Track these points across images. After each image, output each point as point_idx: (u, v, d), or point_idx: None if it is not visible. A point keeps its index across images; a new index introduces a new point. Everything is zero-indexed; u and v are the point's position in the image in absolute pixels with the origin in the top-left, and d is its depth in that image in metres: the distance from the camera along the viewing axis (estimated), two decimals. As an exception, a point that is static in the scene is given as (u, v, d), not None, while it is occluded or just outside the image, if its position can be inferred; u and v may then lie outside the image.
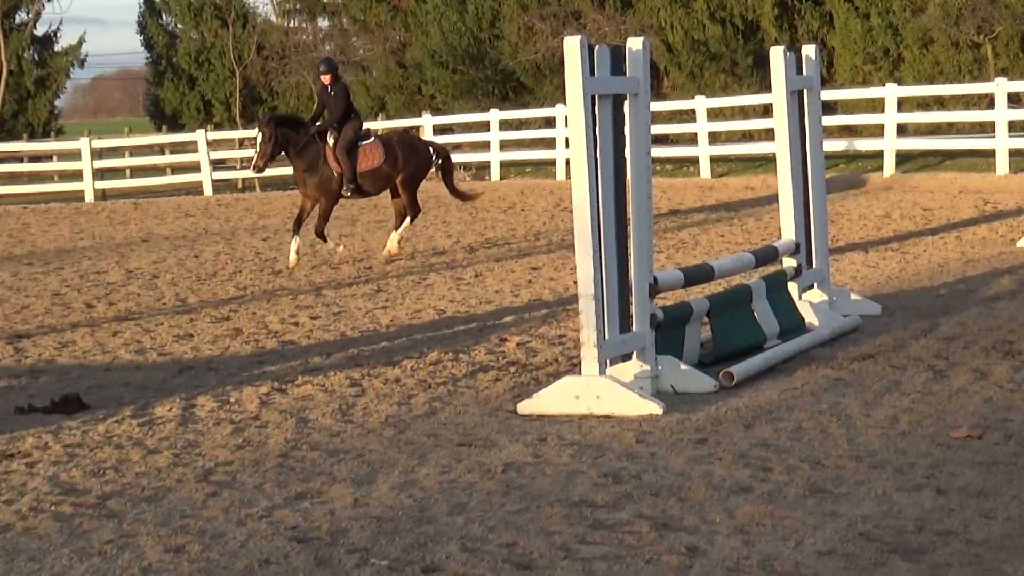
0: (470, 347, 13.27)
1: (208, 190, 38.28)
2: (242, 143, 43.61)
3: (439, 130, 41.49)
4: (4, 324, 16.23)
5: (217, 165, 40.17)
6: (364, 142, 20.73)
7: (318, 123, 20.79)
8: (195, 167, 39.58)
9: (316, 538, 7.49)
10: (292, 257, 20.34)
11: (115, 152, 42.69)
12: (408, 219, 21.17)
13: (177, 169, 42.60)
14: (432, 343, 13.68)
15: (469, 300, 16.57)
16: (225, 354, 13.74)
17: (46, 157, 45.62)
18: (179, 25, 59.18)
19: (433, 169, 22.09)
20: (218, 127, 51.30)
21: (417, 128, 42.64)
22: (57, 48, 57.73)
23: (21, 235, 28.40)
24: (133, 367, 13.27)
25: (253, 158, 20.69)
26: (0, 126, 50.48)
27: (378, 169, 20.69)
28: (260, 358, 13.38)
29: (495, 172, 38.60)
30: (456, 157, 40.42)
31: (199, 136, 39.63)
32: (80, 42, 57.98)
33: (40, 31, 56.89)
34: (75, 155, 40.21)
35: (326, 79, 20.88)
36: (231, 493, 8.48)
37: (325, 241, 20.86)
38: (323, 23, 58.42)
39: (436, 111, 45.45)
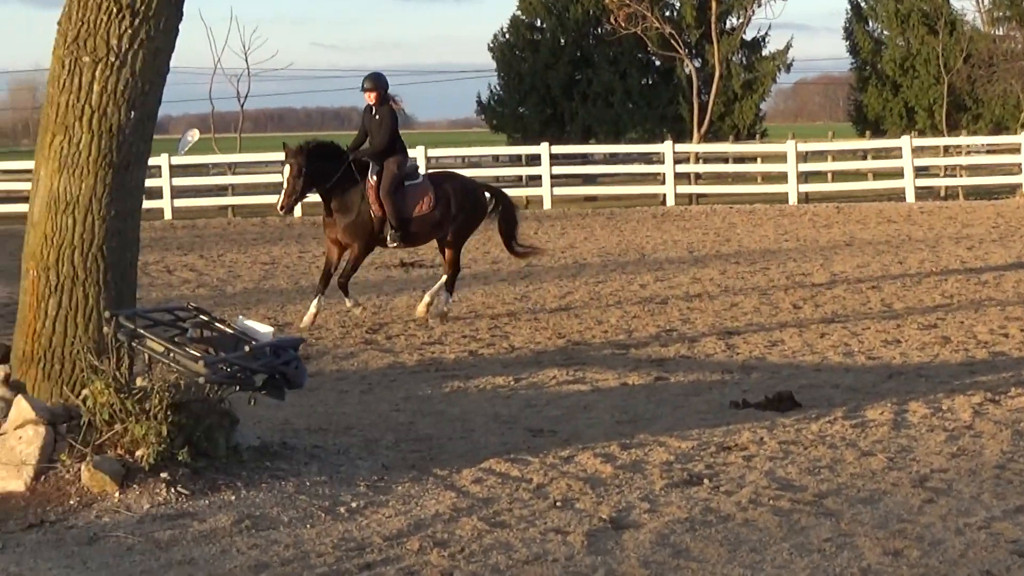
0: None
1: (910, 197, 37.92)
2: (947, 151, 43.03)
3: None
4: (715, 320, 16.68)
5: (920, 172, 39.79)
6: (411, 182, 17.06)
7: (357, 151, 17.00)
8: (898, 173, 39.29)
9: (1039, 553, 7.33)
10: (308, 315, 16.76)
11: (818, 156, 43.07)
12: (445, 278, 17.51)
13: (879, 175, 42.53)
14: None
15: None
16: (934, 361, 13.62)
17: (750, 159, 46.58)
18: (885, 32, 59.12)
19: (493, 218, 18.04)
20: (921, 134, 50.81)
21: None
22: (765, 53, 58.80)
23: (728, 234, 29.07)
24: (842, 369, 13.37)
25: (280, 195, 16.84)
26: (708, 127, 51.88)
27: (427, 216, 17.05)
28: (970, 367, 13.19)
29: None
30: None
31: (903, 142, 39.31)
32: (787, 47, 58.84)
33: (749, 36, 58.14)
34: (779, 158, 40.75)
35: (370, 98, 16.90)
36: (947, 501, 8.43)
37: (346, 295, 16.99)
38: (1033, 30, 56.85)
39: None
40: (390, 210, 16.66)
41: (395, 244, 17.05)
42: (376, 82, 16.93)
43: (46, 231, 9.36)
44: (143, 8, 9.25)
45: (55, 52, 9.45)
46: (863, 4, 60.21)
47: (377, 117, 16.83)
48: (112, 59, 9.25)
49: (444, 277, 17.49)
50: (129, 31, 9.24)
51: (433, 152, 40.87)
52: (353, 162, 16.75)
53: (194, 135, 42.72)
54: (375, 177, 16.70)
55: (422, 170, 19.36)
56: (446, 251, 17.47)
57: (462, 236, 17.51)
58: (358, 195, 16.69)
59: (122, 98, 9.30)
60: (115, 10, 9.22)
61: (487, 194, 17.88)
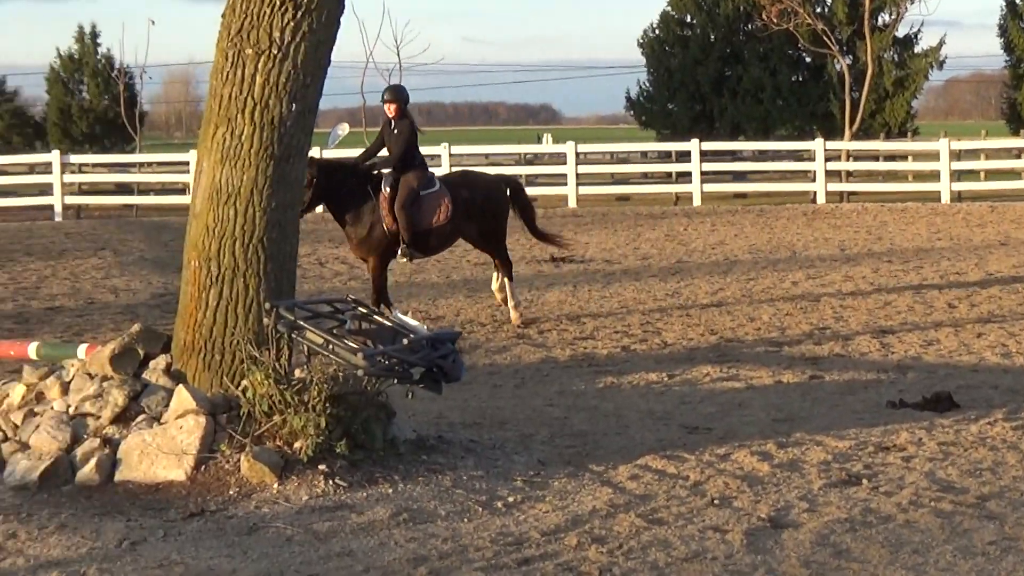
0: None
1: (1066, 196, 37.29)
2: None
3: None
4: (869, 319, 16.48)
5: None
6: (427, 191, 16.38)
7: (369, 161, 16.68)
8: (1053, 172, 38.70)
9: None
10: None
11: (971, 154, 42.40)
12: (504, 277, 16.86)
13: (1035, 174, 41.81)
14: None
15: None
16: (1097, 364, 13.36)
17: (901, 157, 45.96)
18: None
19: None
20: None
21: None
22: (917, 49, 58.02)
23: (879, 232, 28.72)
24: (1000, 370, 13.15)
25: None
26: (859, 125, 51.27)
27: (444, 227, 16.45)
28: None
29: None
30: None
31: (1058, 141, 38.70)
32: (940, 44, 58.00)
33: (901, 32, 57.37)
34: (931, 156, 40.21)
35: (391, 110, 16.49)
36: (1117, 507, 8.25)
37: (389, 307, 15.58)
38: None
39: None
40: (404, 224, 16.12)
41: (405, 259, 16.52)
42: (397, 94, 16.60)
43: (208, 222, 9.47)
44: (306, 1, 9.33)
45: (218, 44, 9.56)
46: (1018, 1, 59.18)
47: (396, 131, 16.45)
48: (275, 51, 9.34)
49: (504, 280, 16.81)
50: (292, 23, 9.32)
51: (582, 148, 40.80)
52: (367, 176, 16.40)
53: (344, 128, 42.80)
54: (388, 188, 16.21)
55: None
56: (492, 256, 17.09)
57: (495, 237, 16.91)
58: (369, 208, 16.21)
59: (284, 90, 9.39)
60: (278, 3, 9.31)
61: (507, 188, 17.24)
